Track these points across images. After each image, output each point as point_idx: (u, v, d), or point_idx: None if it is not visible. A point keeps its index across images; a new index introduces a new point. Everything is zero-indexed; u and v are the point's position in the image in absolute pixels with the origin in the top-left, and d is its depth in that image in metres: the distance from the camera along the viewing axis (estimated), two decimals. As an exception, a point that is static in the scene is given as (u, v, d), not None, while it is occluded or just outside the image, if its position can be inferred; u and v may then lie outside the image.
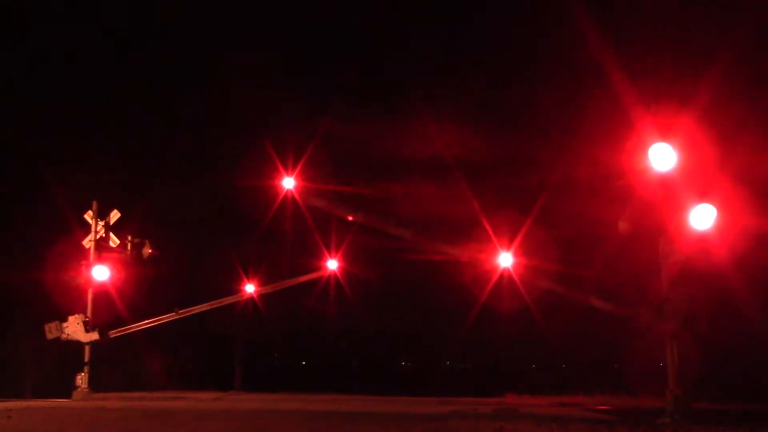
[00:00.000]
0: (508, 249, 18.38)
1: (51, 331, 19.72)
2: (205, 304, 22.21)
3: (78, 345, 19.84)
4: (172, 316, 21.22)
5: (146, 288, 23.22)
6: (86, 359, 19.83)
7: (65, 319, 19.76)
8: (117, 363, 23.50)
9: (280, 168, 20.19)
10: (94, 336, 19.70)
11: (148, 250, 20.80)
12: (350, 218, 20.58)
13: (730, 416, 13.68)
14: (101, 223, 20.61)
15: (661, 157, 13.18)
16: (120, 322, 21.10)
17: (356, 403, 17.54)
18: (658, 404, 14.27)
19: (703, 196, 13.00)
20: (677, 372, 13.65)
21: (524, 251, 18.51)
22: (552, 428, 11.11)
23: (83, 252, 20.52)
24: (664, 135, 13.19)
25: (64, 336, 19.64)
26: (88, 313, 19.97)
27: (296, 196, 20.14)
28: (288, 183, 20.02)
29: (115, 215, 20.77)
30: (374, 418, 12.76)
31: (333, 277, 23.55)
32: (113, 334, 20.35)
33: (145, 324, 21.40)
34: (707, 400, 16.83)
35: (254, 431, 11.25)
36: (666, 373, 13.94)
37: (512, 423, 11.84)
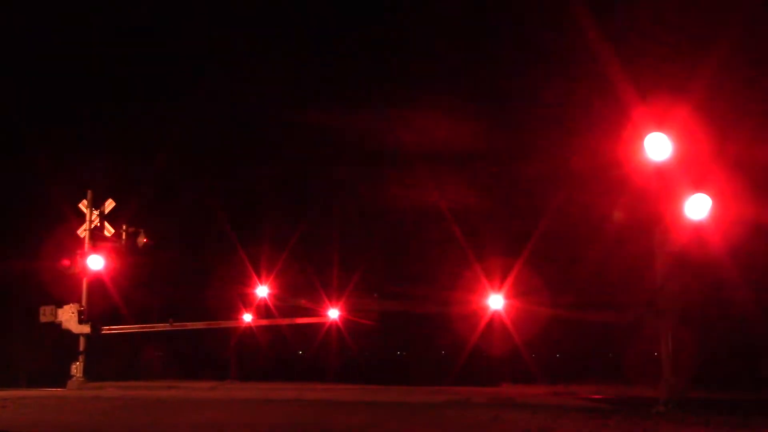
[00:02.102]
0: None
1: (45, 314, 19.73)
2: (200, 323, 22.29)
3: (73, 334, 19.82)
4: (166, 326, 21.25)
5: (142, 277, 23.22)
6: (81, 349, 19.80)
7: (61, 307, 19.76)
8: (112, 352, 23.49)
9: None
10: (86, 329, 19.66)
11: (142, 240, 20.74)
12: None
13: (724, 405, 13.72)
14: (96, 212, 20.56)
15: (657, 146, 13.17)
16: (115, 311, 21.10)
17: (352, 392, 17.55)
18: (653, 393, 14.30)
19: (698, 186, 13.00)
20: (672, 361, 13.68)
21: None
22: (547, 417, 11.13)
23: (78, 241, 20.49)
24: (660, 125, 13.19)
25: (57, 321, 19.66)
26: (83, 302, 19.94)
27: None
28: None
29: (109, 204, 20.70)
30: (371, 408, 12.77)
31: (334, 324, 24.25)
32: (106, 330, 20.30)
33: (138, 328, 21.42)
34: (703, 389, 16.87)
35: (248, 420, 11.25)
36: (661, 362, 13.97)
37: (508, 412, 11.86)
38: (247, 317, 23.57)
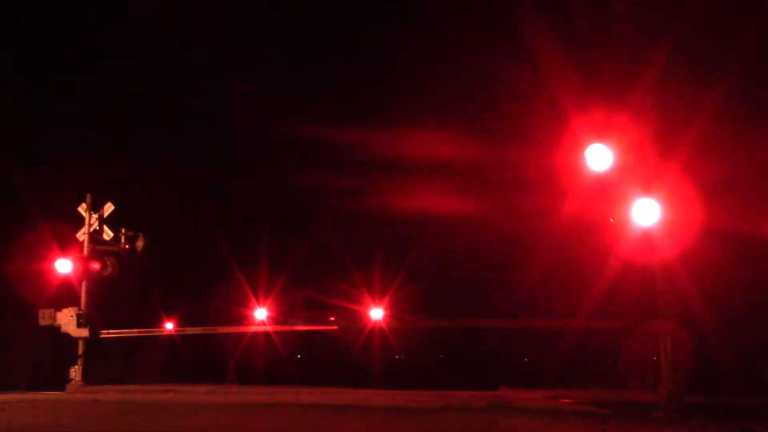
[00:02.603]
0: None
1: (44, 317, 19.75)
2: (200, 328, 22.24)
3: (71, 338, 19.82)
4: (165, 331, 21.23)
5: (140, 281, 23.24)
6: (80, 352, 19.80)
7: (60, 310, 19.77)
8: (111, 356, 23.48)
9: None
10: (84, 333, 19.66)
11: (141, 243, 20.74)
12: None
13: (723, 410, 13.73)
14: (95, 215, 20.56)
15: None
16: (114, 314, 21.10)
17: (350, 396, 17.54)
18: (652, 398, 14.30)
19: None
20: (671, 366, 13.69)
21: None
22: (545, 422, 11.13)
23: (77, 244, 20.49)
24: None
25: (56, 324, 19.68)
26: (82, 306, 19.93)
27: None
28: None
29: (108, 208, 20.70)
30: (368, 412, 12.77)
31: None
32: (104, 334, 20.28)
33: (136, 332, 21.39)
34: (701, 394, 16.88)
35: (247, 424, 11.26)
36: (659, 366, 13.98)
37: (506, 416, 11.85)
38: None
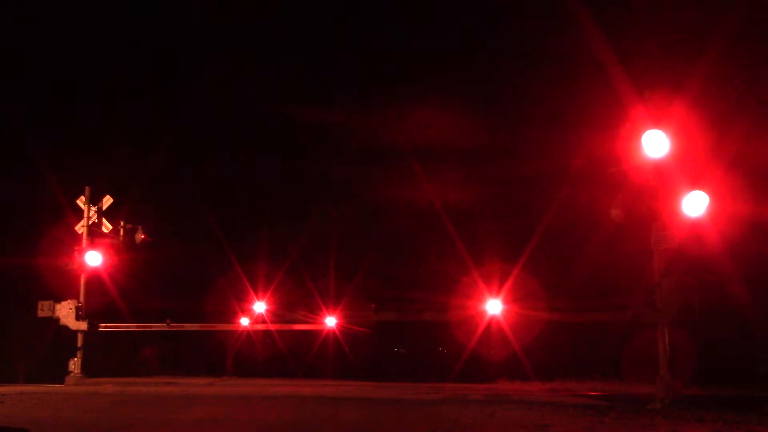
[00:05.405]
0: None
1: (43, 309, 19.74)
2: (198, 324, 22.19)
3: (71, 330, 19.83)
4: (163, 326, 21.19)
5: (139, 273, 23.20)
6: (79, 345, 19.81)
7: (59, 302, 19.78)
8: (111, 349, 23.48)
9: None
10: (83, 326, 19.67)
11: (140, 236, 20.72)
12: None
13: (719, 402, 13.77)
14: (94, 208, 20.54)
15: (655, 144, 13.23)
16: (113, 307, 21.09)
17: (350, 388, 17.59)
18: (650, 390, 14.35)
19: (695, 183, 13.06)
20: (668, 358, 13.74)
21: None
22: (543, 413, 11.16)
23: (76, 237, 20.47)
24: (658, 122, 13.24)
25: (55, 316, 19.69)
26: (81, 299, 19.93)
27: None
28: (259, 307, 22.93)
29: (107, 201, 20.66)
30: (369, 404, 12.80)
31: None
32: (103, 328, 20.28)
33: (135, 327, 21.36)
34: (698, 386, 16.93)
35: (246, 416, 11.28)
36: (657, 359, 14.03)
37: (504, 408, 11.90)
38: (245, 321, 23.45)
